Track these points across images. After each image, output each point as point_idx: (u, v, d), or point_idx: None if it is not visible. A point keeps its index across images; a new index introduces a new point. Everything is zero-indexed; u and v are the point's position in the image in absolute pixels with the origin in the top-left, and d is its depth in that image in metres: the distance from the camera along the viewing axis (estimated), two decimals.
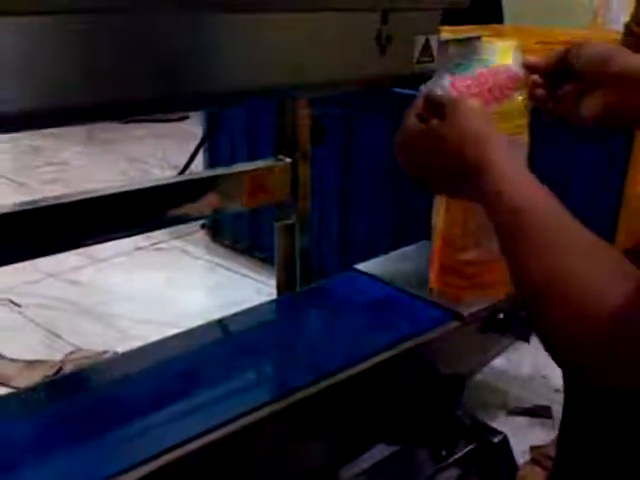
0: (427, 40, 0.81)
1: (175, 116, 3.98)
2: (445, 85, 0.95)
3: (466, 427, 1.30)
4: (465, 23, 1.96)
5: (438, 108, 0.75)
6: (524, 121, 1.10)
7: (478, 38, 1.20)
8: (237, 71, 0.70)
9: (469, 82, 1.01)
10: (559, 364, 0.60)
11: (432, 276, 1.23)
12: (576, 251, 0.57)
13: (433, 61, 0.83)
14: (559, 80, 0.93)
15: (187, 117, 4.01)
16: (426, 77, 0.87)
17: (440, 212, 1.19)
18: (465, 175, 0.71)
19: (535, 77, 0.97)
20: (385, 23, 0.75)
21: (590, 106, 0.88)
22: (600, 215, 1.70)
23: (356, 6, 0.75)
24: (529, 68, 0.98)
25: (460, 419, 1.31)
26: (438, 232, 1.20)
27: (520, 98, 1.07)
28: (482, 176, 0.68)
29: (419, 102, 0.79)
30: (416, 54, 0.81)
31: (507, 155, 0.69)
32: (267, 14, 0.70)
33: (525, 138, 1.12)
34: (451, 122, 0.73)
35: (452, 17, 0.91)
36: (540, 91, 0.96)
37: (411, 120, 0.79)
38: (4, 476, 0.81)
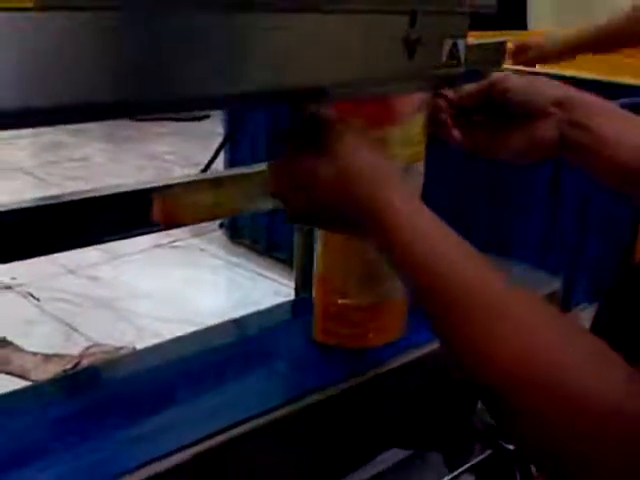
0: (455, 44, 0.81)
1: (196, 115, 4.00)
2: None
3: (481, 433, 1.29)
4: (488, 28, 1.95)
5: (317, 134, 0.69)
6: (423, 146, 1.00)
7: (503, 43, 1.19)
8: (263, 72, 0.70)
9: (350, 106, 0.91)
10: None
11: (315, 325, 1.09)
12: (541, 329, 0.50)
13: (460, 66, 0.83)
14: (480, 112, 0.90)
15: (208, 116, 4.03)
16: (452, 81, 0.87)
17: (318, 250, 1.06)
18: (356, 219, 0.64)
19: (439, 101, 0.93)
20: (413, 26, 0.75)
21: (516, 145, 0.87)
22: (618, 229, 1.69)
23: (384, 8, 0.75)
24: (443, 98, 0.93)
25: (475, 425, 1.30)
26: (317, 273, 1.07)
27: (421, 119, 0.97)
28: (380, 224, 0.61)
29: (299, 131, 0.73)
30: (443, 58, 0.81)
31: (406, 197, 0.62)
32: (292, 14, 0.70)
33: (422, 165, 1.02)
34: (334, 155, 0.66)
35: (476, 22, 0.91)
36: (444, 116, 0.92)
37: (291, 153, 0.72)
38: (17, 471, 0.82)
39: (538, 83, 0.86)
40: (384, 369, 1.05)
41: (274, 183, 0.77)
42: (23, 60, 0.54)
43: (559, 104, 0.86)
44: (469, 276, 0.53)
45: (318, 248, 1.06)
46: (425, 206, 0.62)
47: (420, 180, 1.02)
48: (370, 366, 1.04)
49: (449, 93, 0.92)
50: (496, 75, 0.87)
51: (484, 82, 0.88)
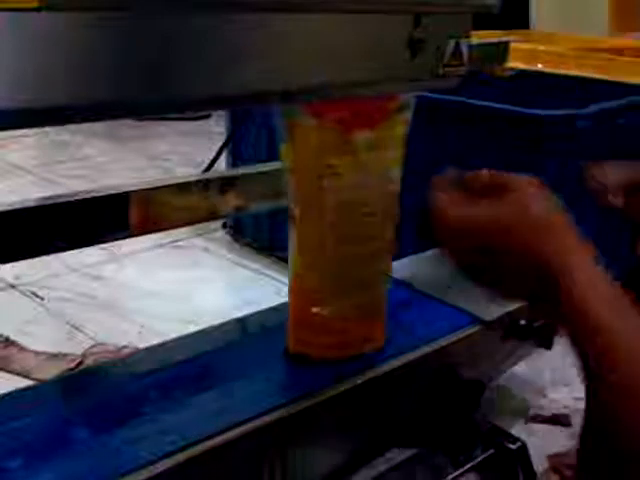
0: (458, 44, 0.81)
1: (197, 114, 4.00)
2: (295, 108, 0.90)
3: (484, 433, 1.29)
4: (491, 28, 1.95)
5: (494, 187, 0.66)
6: (400, 152, 0.99)
7: (507, 43, 1.19)
8: (268, 72, 0.70)
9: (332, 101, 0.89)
10: None
11: (288, 335, 1.07)
12: None
13: (463, 65, 0.83)
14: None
15: (209, 115, 4.03)
16: (455, 82, 0.87)
17: (291, 256, 1.02)
18: (535, 270, 0.60)
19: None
20: (417, 26, 0.75)
21: None
22: (620, 227, 1.69)
23: (388, 8, 0.75)
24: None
25: (479, 425, 1.30)
26: (291, 279, 1.03)
27: (398, 124, 0.96)
28: (563, 278, 0.57)
29: (451, 179, 0.72)
30: (446, 58, 0.81)
31: (591, 261, 0.59)
32: (296, 15, 0.71)
33: (399, 171, 1.00)
34: (515, 203, 0.63)
35: (478, 22, 0.91)
36: (618, 200, 0.91)
37: (447, 201, 0.70)
38: (20, 469, 0.82)
39: None
40: (358, 381, 1.01)
41: (438, 231, 0.73)
42: (28, 60, 0.54)
43: None
44: None
45: (291, 254, 1.01)
46: (602, 272, 0.58)
47: (395, 187, 1.00)
48: (345, 378, 1.00)
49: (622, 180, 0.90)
50: None
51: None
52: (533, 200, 0.64)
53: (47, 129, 3.58)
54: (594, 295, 0.56)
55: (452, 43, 0.80)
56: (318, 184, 0.94)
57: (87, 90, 0.60)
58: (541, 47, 2.57)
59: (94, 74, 0.58)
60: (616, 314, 0.55)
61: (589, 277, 0.57)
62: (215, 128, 3.43)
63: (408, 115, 0.97)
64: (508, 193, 0.65)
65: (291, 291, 1.04)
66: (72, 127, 3.31)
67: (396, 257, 1.44)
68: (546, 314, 0.66)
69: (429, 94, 1.50)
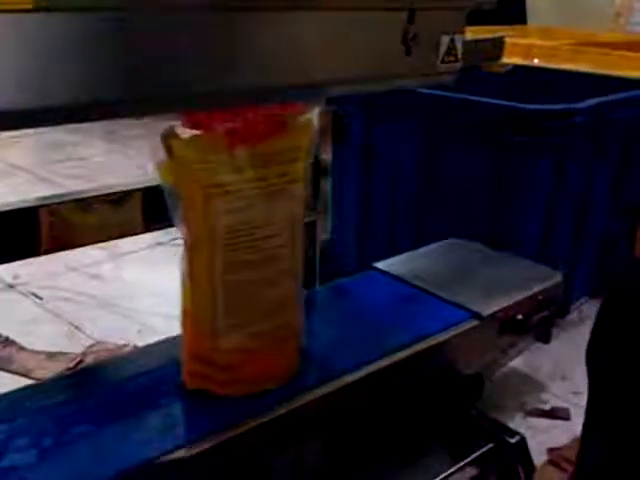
0: (452, 40, 0.81)
1: None
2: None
3: (484, 427, 1.29)
4: (488, 23, 1.95)
5: None
6: (299, 166, 0.89)
7: (502, 39, 1.19)
8: (261, 68, 0.71)
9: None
10: None
11: (183, 368, 0.97)
12: None
13: (458, 61, 0.83)
14: None
15: None
16: (450, 77, 0.87)
17: (184, 283, 0.92)
18: None
19: None
20: (412, 22, 0.75)
21: None
22: (619, 223, 1.70)
23: (383, 5, 0.75)
24: None
25: (478, 419, 1.30)
26: (183, 310, 0.94)
27: (294, 138, 0.87)
28: None
29: None
30: (441, 54, 0.81)
31: None
32: (291, 12, 0.71)
33: (301, 187, 0.92)
34: None
35: (475, 17, 0.91)
36: None
37: None
38: (22, 467, 0.82)
39: None
40: (252, 423, 0.89)
41: None
42: (23, 61, 0.54)
43: None
44: None
45: (184, 281, 0.91)
46: None
47: (296, 206, 0.91)
48: (237, 419, 0.89)
49: None
50: None
51: None
52: None
53: (44, 130, 3.58)
54: None
55: (447, 39, 0.80)
56: (205, 205, 0.84)
57: (85, 90, 0.60)
58: (538, 42, 2.57)
59: (90, 74, 0.59)
60: None
61: None
62: None
63: (312, 125, 0.88)
64: None
65: (183, 322, 0.95)
66: (70, 127, 3.31)
67: (392, 254, 1.45)
68: None
69: (425, 90, 1.51)
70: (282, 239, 0.90)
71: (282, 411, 0.92)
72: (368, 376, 1.03)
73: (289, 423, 0.93)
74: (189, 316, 0.93)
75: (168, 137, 0.83)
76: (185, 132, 0.82)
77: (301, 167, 0.89)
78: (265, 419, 0.90)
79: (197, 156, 0.82)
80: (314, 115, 0.87)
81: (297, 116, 0.85)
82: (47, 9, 0.52)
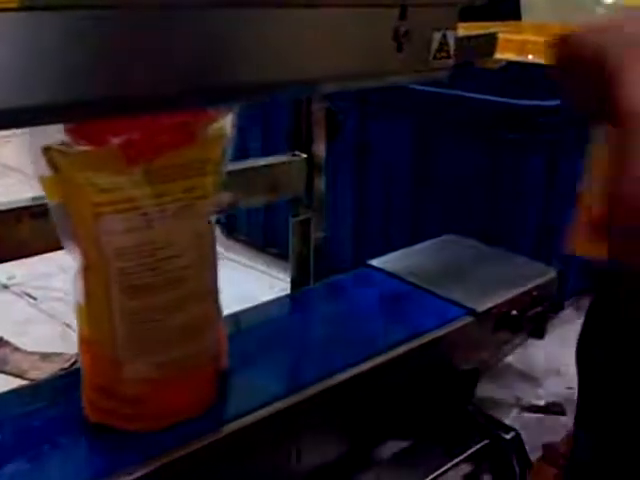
0: (444, 36, 0.81)
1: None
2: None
3: (478, 423, 1.30)
4: (481, 19, 1.95)
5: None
6: (216, 177, 0.82)
7: (494, 35, 1.19)
8: (252, 66, 0.70)
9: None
10: None
11: (83, 400, 0.88)
12: None
13: (450, 58, 0.83)
14: None
15: None
16: (442, 73, 0.87)
17: (81, 309, 0.84)
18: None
19: None
20: (403, 19, 0.75)
21: None
22: None
23: (374, 2, 0.75)
24: None
25: (472, 415, 1.31)
26: (82, 337, 0.86)
27: (215, 142, 0.81)
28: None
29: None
30: (433, 51, 0.81)
31: None
32: (283, 9, 0.71)
33: (209, 203, 0.83)
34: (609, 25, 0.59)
35: (468, 13, 0.91)
36: None
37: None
38: (18, 469, 0.82)
39: None
40: (161, 461, 0.81)
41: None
42: (9, 60, 0.54)
43: None
44: None
45: (79, 304, 0.84)
46: None
47: (204, 223, 0.83)
48: (143, 457, 0.80)
49: None
50: None
51: None
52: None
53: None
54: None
55: (439, 35, 0.80)
56: (96, 225, 0.76)
57: (73, 89, 0.60)
58: (532, 38, 2.57)
59: (78, 73, 0.58)
60: None
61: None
62: None
63: (224, 135, 0.81)
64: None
65: (80, 349, 0.86)
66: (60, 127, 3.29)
67: (387, 251, 1.45)
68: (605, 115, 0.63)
69: (418, 87, 1.51)
70: (188, 260, 0.82)
71: (196, 446, 0.83)
72: (359, 375, 1.03)
73: (205, 459, 0.84)
74: (86, 343, 0.85)
75: (51, 150, 0.74)
76: (72, 144, 0.72)
77: (211, 181, 0.82)
78: (176, 455, 0.82)
79: (86, 171, 0.74)
80: (227, 123, 0.80)
81: (207, 125, 0.78)
82: (33, 8, 0.52)
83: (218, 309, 0.93)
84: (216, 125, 0.79)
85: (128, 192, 0.74)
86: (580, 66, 0.64)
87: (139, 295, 0.80)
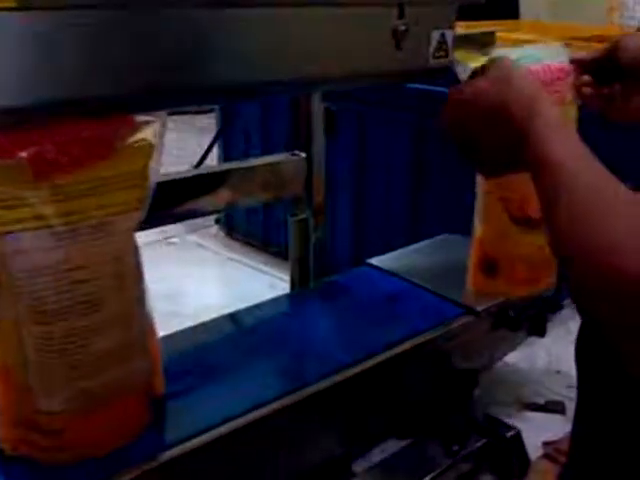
0: (443, 35, 0.81)
1: (189, 110, 3.99)
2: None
3: (479, 422, 1.30)
4: (480, 18, 1.95)
5: (485, 70, 0.73)
6: (135, 192, 0.77)
7: (492, 33, 1.19)
8: (252, 64, 0.71)
9: None
10: (593, 323, 0.59)
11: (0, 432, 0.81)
12: (620, 208, 0.55)
13: (448, 56, 0.83)
14: (606, 76, 0.90)
15: (202, 111, 4.03)
16: (441, 72, 0.87)
17: None
18: (513, 130, 0.68)
19: (583, 76, 0.91)
20: (401, 18, 0.75)
21: (637, 107, 0.86)
22: None
23: (373, 1, 0.75)
24: (575, 64, 0.92)
25: (473, 414, 1.31)
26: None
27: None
28: (532, 130, 0.65)
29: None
30: (431, 49, 0.81)
31: (557, 115, 0.67)
32: (283, 8, 0.71)
33: (133, 217, 0.77)
34: (501, 78, 0.71)
35: (467, 12, 0.91)
36: (587, 89, 0.92)
37: (456, 89, 0.76)
38: None
39: None
40: None
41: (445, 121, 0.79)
42: (8, 59, 0.54)
43: None
44: (595, 179, 0.58)
45: None
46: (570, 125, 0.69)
47: (124, 242, 0.77)
48: None
49: (586, 58, 0.90)
50: (621, 37, 0.86)
51: (608, 44, 0.87)
52: (511, 73, 0.70)
53: None
54: (553, 137, 0.62)
55: (437, 34, 0.80)
56: (1, 243, 0.70)
57: (71, 87, 0.60)
58: (529, 36, 2.57)
59: (77, 71, 0.58)
60: (574, 155, 0.61)
61: (550, 122, 0.64)
62: (206, 123, 3.42)
63: (149, 146, 0.75)
64: (492, 69, 0.72)
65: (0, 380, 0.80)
66: None
67: (386, 250, 1.45)
68: (519, 165, 0.70)
69: (417, 85, 1.51)
70: (106, 282, 0.76)
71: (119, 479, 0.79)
72: (360, 374, 1.03)
73: None
74: (2, 372, 0.78)
75: None
76: None
77: (133, 195, 0.76)
78: None
79: None
80: (150, 133, 0.74)
81: (127, 136, 0.72)
82: (30, 7, 0.52)
83: (147, 332, 0.86)
84: (139, 135, 0.73)
85: (36, 209, 0.69)
86: (480, 121, 0.71)
87: (52, 320, 0.74)
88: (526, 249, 1.12)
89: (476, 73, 0.75)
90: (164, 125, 0.74)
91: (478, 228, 1.17)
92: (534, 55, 0.93)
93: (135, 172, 0.75)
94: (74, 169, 0.69)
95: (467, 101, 0.73)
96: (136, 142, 0.73)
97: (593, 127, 0.91)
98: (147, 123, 0.73)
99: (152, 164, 0.76)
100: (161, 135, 0.74)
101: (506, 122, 0.68)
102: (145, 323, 0.85)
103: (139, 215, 0.77)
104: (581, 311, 0.58)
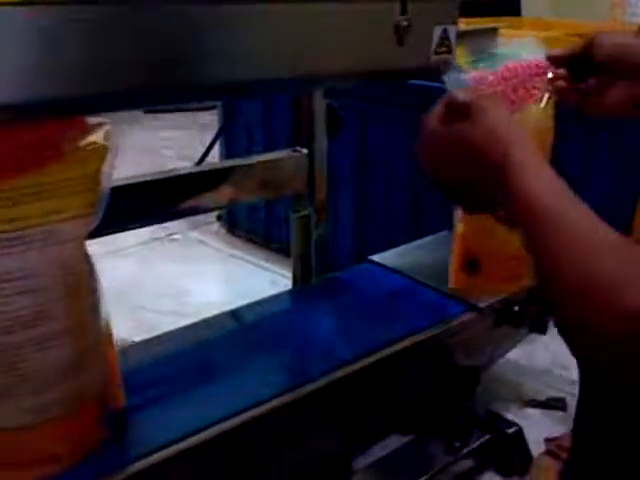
0: (445, 31, 0.81)
1: (191, 107, 3.99)
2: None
3: (481, 419, 1.30)
4: (482, 15, 1.95)
5: (462, 110, 0.73)
6: (87, 196, 0.73)
7: (495, 30, 1.19)
8: (254, 62, 0.71)
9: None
10: (581, 358, 0.60)
11: None
12: (603, 249, 0.57)
13: (451, 52, 0.83)
14: (582, 72, 0.91)
15: (203, 108, 4.02)
16: (444, 69, 0.87)
17: None
18: (490, 176, 0.68)
19: (558, 70, 0.94)
20: (404, 14, 0.75)
21: (614, 99, 0.87)
22: (617, 211, 1.70)
23: None
24: (551, 60, 0.94)
25: (475, 411, 1.31)
26: None
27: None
28: (509, 175, 0.66)
29: (441, 104, 0.77)
30: (434, 45, 0.81)
31: (534, 155, 0.67)
32: (284, 4, 0.71)
33: (85, 223, 0.74)
34: (476, 122, 0.71)
35: (469, 9, 0.91)
36: (562, 83, 0.93)
37: (433, 123, 0.77)
38: None
39: (632, 43, 0.85)
40: None
41: (422, 157, 0.79)
42: (13, 54, 0.54)
43: None
44: (573, 220, 0.59)
45: None
46: (546, 162, 0.66)
47: (74, 249, 0.73)
48: None
49: (562, 54, 0.91)
50: (597, 33, 0.88)
51: (583, 40, 0.88)
52: (490, 118, 0.71)
53: None
54: (536, 178, 0.63)
55: (439, 30, 0.80)
56: None
57: (76, 83, 0.60)
58: (531, 33, 2.57)
59: (80, 68, 0.58)
60: (552, 195, 0.62)
61: (531, 165, 0.65)
62: (208, 121, 3.42)
63: (101, 149, 0.72)
64: (472, 115, 0.72)
65: None
66: None
67: (388, 247, 1.45)
68: (499, 204, 0.71)
69: (419, 82, 1.50)
70: (54, 292, 0.72)
71: None
72: (363, 370, 1.03)
73: None
74: None
75: None
76: None
77: (84, 201, 0.72)
78: None
79: None
80: (102, 135, 0.71)
81: (77, 139, 0.69)
82: (34, 2, 0.52)
83: (103, 342, 0.81)
84: (90, 138, 0.70)
85: None
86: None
87: None
88: (508, 245, 1.11)
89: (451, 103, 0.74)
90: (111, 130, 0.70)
91: (459, 225, 1.17)
92: (513, 51, 0.93)
93: (86, 176, 0.71)
94: (18, 173, 0.65)
95: (443, 144, 0.74)
96: (88, 145, 0.70)
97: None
98: (99, 125, 0.70)
99: (105, 168, 0.72)
100: (115, 138, 0.71)
101: (485, 168, 0.69)
102: (100, 333, 0.80)
103: (91, 221, 0.73)
104: (577, 353, 0.58)
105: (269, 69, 0.72)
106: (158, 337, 1.13)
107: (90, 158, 0.71)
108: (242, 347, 1.09)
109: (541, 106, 0.93)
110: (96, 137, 0.70)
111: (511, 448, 1.29)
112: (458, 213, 1.16)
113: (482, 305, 1.18)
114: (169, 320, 1.74)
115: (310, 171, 1.29)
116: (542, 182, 0.64)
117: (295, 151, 1.29)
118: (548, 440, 1.38)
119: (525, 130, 0.72)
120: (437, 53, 0.81)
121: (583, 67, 0.89)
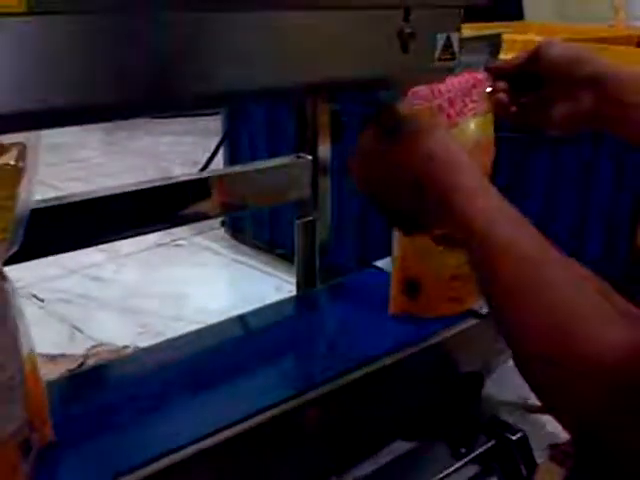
0: (448, 38, 0.81)
1: (195, 113, 4.00)
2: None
3: (485, 424, 1.30)
4: (484, 20, 1.95)
5: (396, 128, 0.70)
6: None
7: (498, 36, 1.19)
8: (258, 69, 0.71)
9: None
10: (563, 425, 0.59)
11: None
12: (569, 290, 0.55)
13: (454, 59, 0.83)
14: (524, 85, 0.86)
15: (207, 114, 4.03)
16: (447, 75, 0.87)
17: None
18: (428, 202, 0.65)
19: (498, 83, 0.88)
20: (407, 20, 0.75)
21: (558, 114, 0.82)
22: (619, 219, 1.70)
23: (378, 4, 0.75)
24: (491, 72, 0.89)
25: (479, 416, 1.30)
26: None
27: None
28: (452, 204, 0.62)
29: (375, 120, 0.75)
30: (437, 52, 0.81)
31: (478, 180, 0.64)
32: (288, 12, 0.71)
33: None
34: (412, 146, 0.68)
35: (471, 14, 0.91)
36: (502, 96, 0.87)
37: (367, 141, 0.74)
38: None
39: (579, 56, 0.82)
40: None
41: (357, 176, 0.77)
42: (16, 64, 0.54)
43: (594, 79, 0.82)
44: (526, 250, 0.57)
45: None
46: (491, 186, 0.64)
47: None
48: None
49: (504, 66, 0.87)
50: (542, 44, 0.84)
51: (527, 51, 0.85)
52: (425, 140, 0.68)
53: (41, 132, 3.57)
54: (477, 208, 0.61)
55: (443, 37, 0.80)
56: None
57: (81, 92, 0.60)
58: (536, 38, 2.57)
59: (85, 76, 0.59)
60: (499, 223, 0.60)
61: (476, 193, 0.62)
62: (212, 126, 3.43)
63: (14, 168, 0.67)
64: (406, 135, 0.70)
65: None
66: (66, 129, 3.30)
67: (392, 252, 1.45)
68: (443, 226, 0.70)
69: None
70: None
71: None
72: (366, 376, 1.03)
73: None
74: None
75: None
76: None
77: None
78: None
79: None
80: (17, 156, 0.67)
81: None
82: (40, 12, 0.52)
83: (24, 378, 0.76)
84: (2, 159, 0.66)
85: None
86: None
87: None
88: (449, 268, 1.08)
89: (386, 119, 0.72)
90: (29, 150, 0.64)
91: (397, 247, 1.12)
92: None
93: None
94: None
95: (376, 166, 0.71)
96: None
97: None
98: (10, 146, 0.65)
99: (19, 191, 0.67)
100: (30, 159, 0.66)
101: (424, 195, 0.66)
102: (18, 369, 0.74)
103: (5, 247, 0.68)
104: (557, 411, 0.58)
105: (272, 76, 0.72)
106: (158, 345, 1.13)
107: (2, 179, 0.66)
108: (245, 353, 1.09)
109: (480, 119, 0.88)
110: (7, 159, 0.65)
111: (515, 454, 1.28)
112: (396, 235, 1.10)
113: (485, 311, 1.18)
114: (174, 325, 1.75)
115: (314, 177, 1.29)
116: (488, 212, 0.61)
117: (299, 157, 1.29)
118: (552, 446, 1.38)
119: (463, 149, 0.68)
120: (441, 60, 0.81)
121: (526, 80, 0.86)
